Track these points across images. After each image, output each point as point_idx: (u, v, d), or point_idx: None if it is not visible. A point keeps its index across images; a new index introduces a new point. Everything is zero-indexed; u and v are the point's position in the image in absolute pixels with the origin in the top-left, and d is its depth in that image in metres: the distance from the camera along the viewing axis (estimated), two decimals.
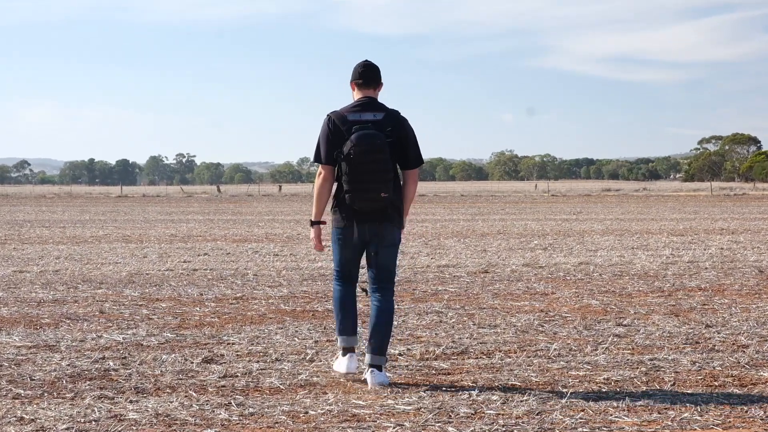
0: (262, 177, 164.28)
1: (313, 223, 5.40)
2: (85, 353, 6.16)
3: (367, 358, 5.25)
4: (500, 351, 6.23)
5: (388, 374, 5.39)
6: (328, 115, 5.26)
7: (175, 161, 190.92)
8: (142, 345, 6.47)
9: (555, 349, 6.23)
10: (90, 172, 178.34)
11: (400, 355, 6.11)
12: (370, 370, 5.21)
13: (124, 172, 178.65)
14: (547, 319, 7.64)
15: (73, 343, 6.53)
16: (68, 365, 5.77)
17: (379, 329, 5.22)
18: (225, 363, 5.84)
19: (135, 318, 7.76)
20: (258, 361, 5.89)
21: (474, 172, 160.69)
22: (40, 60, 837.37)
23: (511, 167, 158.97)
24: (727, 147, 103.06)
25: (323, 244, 5.47)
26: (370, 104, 5.28)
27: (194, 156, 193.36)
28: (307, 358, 5.98)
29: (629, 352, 6.19)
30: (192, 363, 5.82)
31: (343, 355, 5.44)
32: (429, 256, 13.81)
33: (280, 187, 73.43)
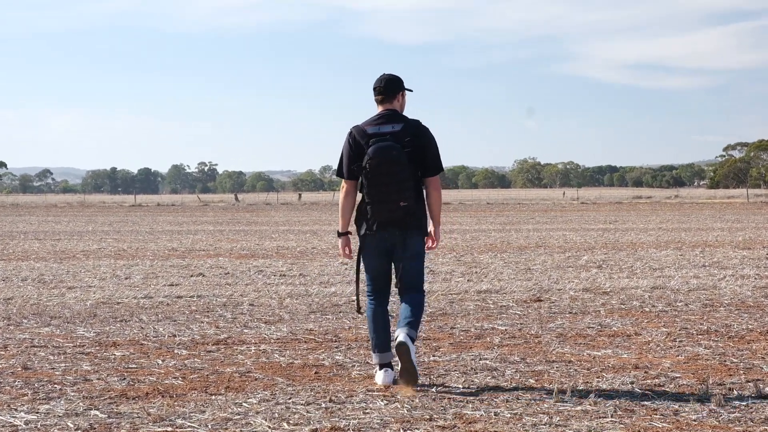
0: (284, 185, 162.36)
1: (339, 234, 5.47)
2: None
3: (398, 329, 5.11)
4: None
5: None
6: (349, 130, 5.35)
7: (197, 170, 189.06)
8: None
9: None
10: (112, 181, 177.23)
11: None
12: (397, 344, 5.04)
13: (146, 181, 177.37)
14: (650, 383, 5.34)
15: None
16: None
17: (407, 307, 5.19)
18: None
19: (65, 379, 5.52)
20: None
21: (497, 179, 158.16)
22: (62, 69, 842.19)
23: (534, 175, 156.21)
24: (752, 154, 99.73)
25: (350, 253, 5.48)
26: (390, 116, 5.33)
27: (216, 165, 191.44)
28: None
29: None
30: None
31: (380, 369, 5.32)
32: (464, 276, 11.53)
33: (300, 195, 71.26)
